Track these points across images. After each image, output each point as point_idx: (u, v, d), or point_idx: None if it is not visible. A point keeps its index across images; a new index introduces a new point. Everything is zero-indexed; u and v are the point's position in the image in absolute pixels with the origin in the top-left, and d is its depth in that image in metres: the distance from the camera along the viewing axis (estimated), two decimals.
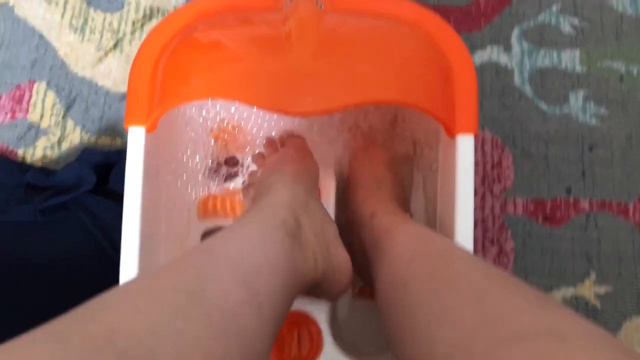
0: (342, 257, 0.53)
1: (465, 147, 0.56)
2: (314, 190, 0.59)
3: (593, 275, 0.71)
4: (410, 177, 0.66)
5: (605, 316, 0.70)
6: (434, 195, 0.63)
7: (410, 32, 0.59)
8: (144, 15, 0.79)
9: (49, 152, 0.75)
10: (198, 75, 0.57)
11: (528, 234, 0.72)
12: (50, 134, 0.76)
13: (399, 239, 0.51)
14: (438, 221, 0.61)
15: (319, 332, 0.53)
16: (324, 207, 0.58)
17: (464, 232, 0.53)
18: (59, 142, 0.75)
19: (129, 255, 0.55)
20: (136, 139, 0.56)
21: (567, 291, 0.70)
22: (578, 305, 0.70)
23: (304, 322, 0.53)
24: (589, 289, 0.70)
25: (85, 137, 0.75)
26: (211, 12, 0.60)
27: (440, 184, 0.62)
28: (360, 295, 0.65)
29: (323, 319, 0.54)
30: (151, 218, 0.60)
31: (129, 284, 0.36)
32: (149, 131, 0.57)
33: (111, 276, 0.53)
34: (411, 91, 0.55)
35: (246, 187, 0.64)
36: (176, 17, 0.60)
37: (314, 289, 0.51)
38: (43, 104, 0.77)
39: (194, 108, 0.67)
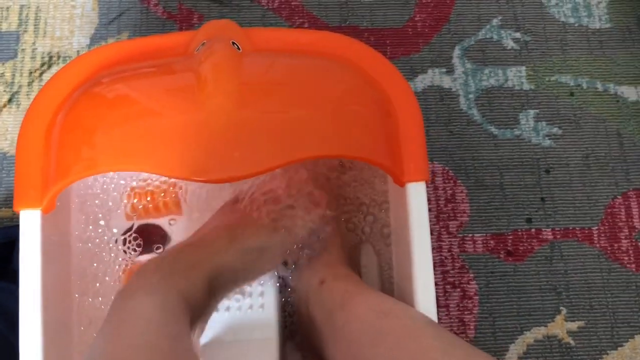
0: None
1: (416, 196, 0.49)
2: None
3: (564, 311, 0.65)
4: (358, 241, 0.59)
5: (580, 354, 0.64)
6: (389, 263, 0.56)
7: (341, 68, 0.51)
8: (43, 63, 0.70)
9: None
10: (100, 142, 0.48)
11: (491, 273, 0.66)
12: None
13: (357, 314, 0.44)
14: (396, 288, 0.54)
15: None
16: None
17: (426, 296, 0.46)
18: None
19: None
20: (30, 224, 0.47)
21: (539, 332, 0.64)
22: (551, 345, 0.64)
23: None
24: (561, 327, 0.65)
25: None
26: (115, 60, 0.51)
27: (394, 245, 0.55)
28: None
29: None
30: (58, 318, 0.50)
31: None
32: (45, 212, 0.47)
33: None
34: (351, 139, 0.48)
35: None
36: (73, 68, 0.51)
37: None
38: None
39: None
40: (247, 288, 0.53)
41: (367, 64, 0.52)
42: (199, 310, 0.44)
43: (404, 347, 0.39)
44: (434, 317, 0.45)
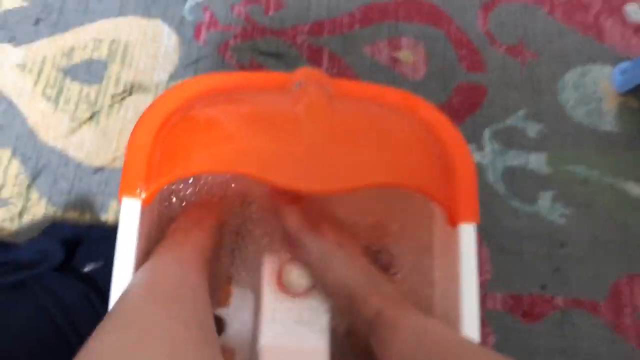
0: None
1: (468, 236, 0.56)
2: None
3: None
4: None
5: None
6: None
7: (412, 120, 0.60)
8: (124, 90, 0.77)
9: (7, 224, 0.68)
10: (200, 151, 0.55)
11: (508, 330, 0.72)
12: (10, 205, 0.69)
13: (403, 335, 0.48)
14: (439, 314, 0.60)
15: None
16: None
17: (471, 327, 0.52)
18: (20, 214, 0.69)
19: None
20: (130, 212, 0.52)
21: None
22: None
23: None
24: None
25: (51, 210, 0.70)
26: (219, 88, 0.59)
27: (437, 277, 0.62)
28: None
29: None
30: None
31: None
32: (144, 204, 0.53)
33: None
34: (416, 176, 0.56)
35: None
36: (179, 91, 0.59)
37: None
38: (6, 174, 0.71)
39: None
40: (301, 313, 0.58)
41: (433, 122, 0.60)
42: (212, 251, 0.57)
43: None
44: None
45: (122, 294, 0.46)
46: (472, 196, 0.58)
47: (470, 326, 0.52)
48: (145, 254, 0.57)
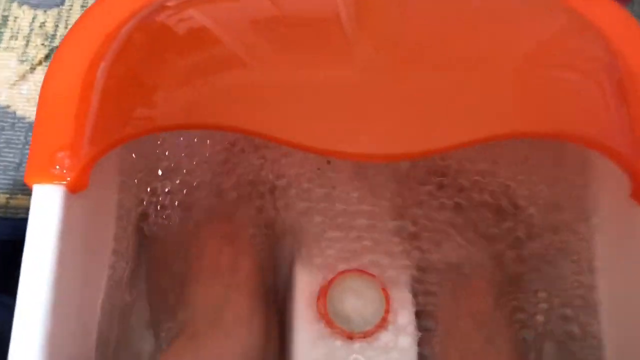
0: None
1: None
2: None
3: None
4: None
5: None
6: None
7: (558, 12, 0.33)
8: None
9: None
10: (174, 87, 0.30)
11: None
12: None
13: None
14: None
15: None
16: None
17: None
18: None
19: None
20: (45, 207, 0.29)
21: None
22: None
23: None
24: None
25: None
26: None
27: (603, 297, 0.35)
28: None
29: None
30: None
31: None
32: (73, 191, 0.30)
33: None
34: (569, 112, 0.31)
35: None
36: None
37: None
38: None
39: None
40: None
41: (595, 12, 0.33)
42: None
43: None
44: None
45: None
46: None
47: None
48: (84, 291, 0.33)
